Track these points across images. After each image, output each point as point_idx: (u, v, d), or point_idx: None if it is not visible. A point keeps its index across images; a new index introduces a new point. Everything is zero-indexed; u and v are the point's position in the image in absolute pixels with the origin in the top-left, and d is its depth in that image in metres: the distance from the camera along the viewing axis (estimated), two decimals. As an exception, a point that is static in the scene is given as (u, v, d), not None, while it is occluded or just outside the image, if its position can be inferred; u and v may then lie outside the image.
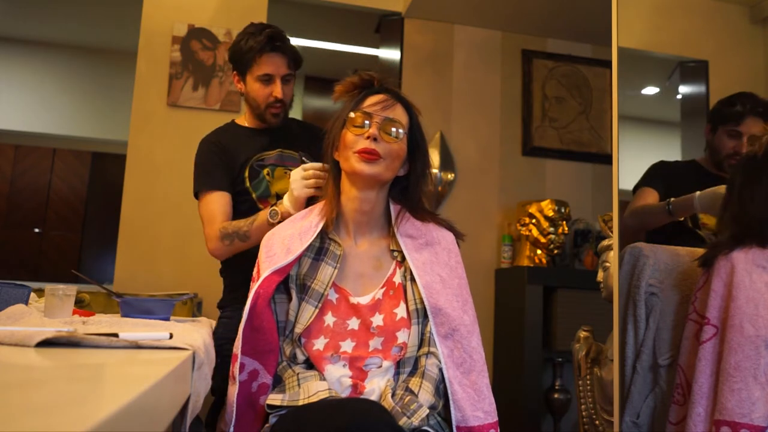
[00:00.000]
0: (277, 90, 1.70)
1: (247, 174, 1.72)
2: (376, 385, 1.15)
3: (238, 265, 1.70)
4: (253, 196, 1.72)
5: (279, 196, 1.72)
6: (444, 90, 3.25)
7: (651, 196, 1.99)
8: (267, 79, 1.71)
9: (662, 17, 2.49)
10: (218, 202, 1.68)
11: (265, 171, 1.73)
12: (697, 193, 1.79)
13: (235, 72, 1.77)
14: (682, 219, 1.92)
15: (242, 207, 1.71)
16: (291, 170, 1.70)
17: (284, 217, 1.48)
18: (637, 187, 2.08)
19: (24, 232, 5.18)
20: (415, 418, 1.06)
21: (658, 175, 2.06)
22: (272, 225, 1.49)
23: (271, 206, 1.55)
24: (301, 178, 1.46)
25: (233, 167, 1.73)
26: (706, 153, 2.11)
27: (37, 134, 5.09)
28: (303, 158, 1.55)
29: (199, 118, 2.83)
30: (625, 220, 1.96)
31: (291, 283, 1.23)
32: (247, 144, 1.76)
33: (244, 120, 1.83)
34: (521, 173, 3.27)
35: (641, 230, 2.02)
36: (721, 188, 1.73)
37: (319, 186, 1.44)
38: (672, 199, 1.86)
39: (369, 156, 1.20)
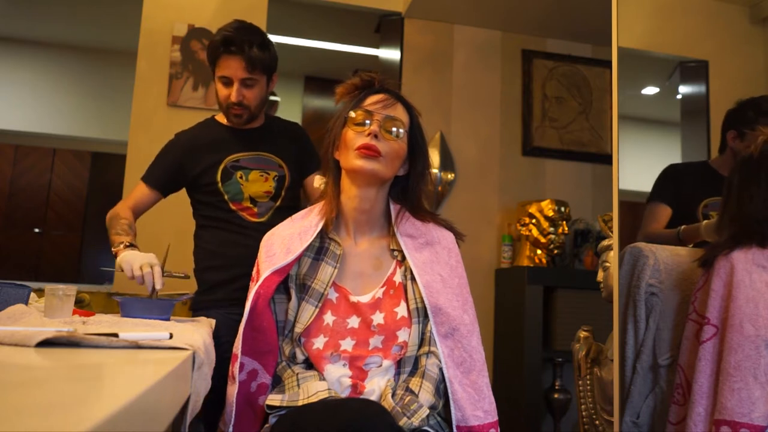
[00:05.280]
0: (233, 93, 1.70)
1: (219, 176, 1.73)
2: (376, 385, 1.15)
3: (213, 269, 1.72)
4: (225, 197, 1.73)
5: (252, 199, 1.73)
6: (444, 90, 3.24)
7: (664, 214, 1.98)
8: (225, 82, 1.72)
9: (662, 17, 2.49)
10: (139, 191, 1.79)
11: (239, 174, 1.74)
12: (704, 222, 1.84)
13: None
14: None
15: (217, 210, 1.74)
16: (268, 173, 1.72)
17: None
18: (649, 199, 2.06)
19: (24, 232, 5.18)
20: (415, 419, 1.06)
21: (668, 186, 2.04)
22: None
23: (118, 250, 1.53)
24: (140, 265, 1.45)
25: (192, 168, 1.75)
26: (722, 156, 2.08)
27: (37, 134, 5.09)
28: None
29: (199, 118, 2.80)
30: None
31: (291, 282, 1.23)
32: (222, 144, 1.77)
33: (223, 117, 1.83)
34: (521, 173, 3.27)
35: None
36: None
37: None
38: (682, 227, 1.89)
39: (368, 152, 1.19)
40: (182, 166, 1.76)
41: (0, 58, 5.00)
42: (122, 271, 1.46)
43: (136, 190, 1.79)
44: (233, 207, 1.73)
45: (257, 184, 1.74)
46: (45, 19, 4.62)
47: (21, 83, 5.01)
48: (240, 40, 1.68)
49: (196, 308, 1.76)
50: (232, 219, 1.73)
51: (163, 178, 1.78)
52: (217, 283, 1.72)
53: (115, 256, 1.53)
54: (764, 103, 2.02)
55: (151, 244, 2.73)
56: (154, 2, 2.90)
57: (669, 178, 2.07)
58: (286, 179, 1.77)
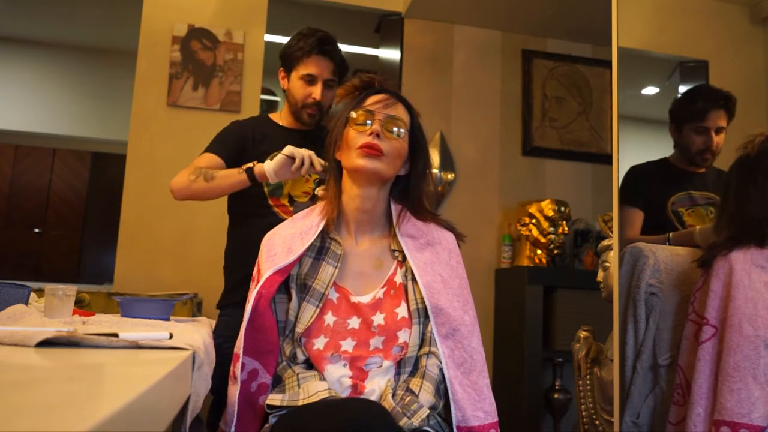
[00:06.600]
0: (317, 92, 1.76)
1: None
2: (377, 385, 1.15)
3: (239, 266, 1.72)
4: (265, 190, 1.74)
5: (291, 198, 1.74)
6: (444, 90, 3.25)
7: (637, 219, 2.00)
8: (310, 80, 1.76)
9: (662, 17, 2.49)
10: (208, 158, 1.73)
11: None
12: (698, 228, 1.84)
13: (282, 68, 1.83)
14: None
15: (252, 203, 1.75)
16: (310, 175, 1.74)
17: (258, 179, 1.58)
18: (620, 205, 2.07)
19: (24, 232, 5.18)
20: (415, 419, 1.06)
21: (634, 189, 2.04)
22: (240, 179, 1.59)
23: (248, 168, 1.59)
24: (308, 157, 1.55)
25: (251, 148, 1.77)
26: (675, 151, 2.10)
27: (37, 134, 5.09)
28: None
29: (199, 118, 2.84)
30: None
31: (291, 282, 1.23)
32: (276, 138, 1.79)
33: (278, 117, 1.87)
34: (521, 173, 3.28)
35: None
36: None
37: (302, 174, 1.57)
38: (671, 234, 1.90)
39: (371, 151, 1.20)
40: (245, 145, 1.78)
41: (0, 58, 5.00)
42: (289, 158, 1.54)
43: (202, 159, 1.73)
44: (270, 202, 1.74)
45: (298, 183, 1.77)
46: (45, 19, 4.62)
47: (21, 83, 5.01)
48: (333, 42, 1.77)
49: (222, 305, 1.78)
50: (265, 214, 1.73)
51: (232, 149, 1.76)
52: (237, 282, 1.73)
53: (251, 171, 1.59)
54: (702, 96, 2.03)
55: (150, 245, 2.73)
56: (154, 2, 2.90)
57: (635, 180, 2.07)
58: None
